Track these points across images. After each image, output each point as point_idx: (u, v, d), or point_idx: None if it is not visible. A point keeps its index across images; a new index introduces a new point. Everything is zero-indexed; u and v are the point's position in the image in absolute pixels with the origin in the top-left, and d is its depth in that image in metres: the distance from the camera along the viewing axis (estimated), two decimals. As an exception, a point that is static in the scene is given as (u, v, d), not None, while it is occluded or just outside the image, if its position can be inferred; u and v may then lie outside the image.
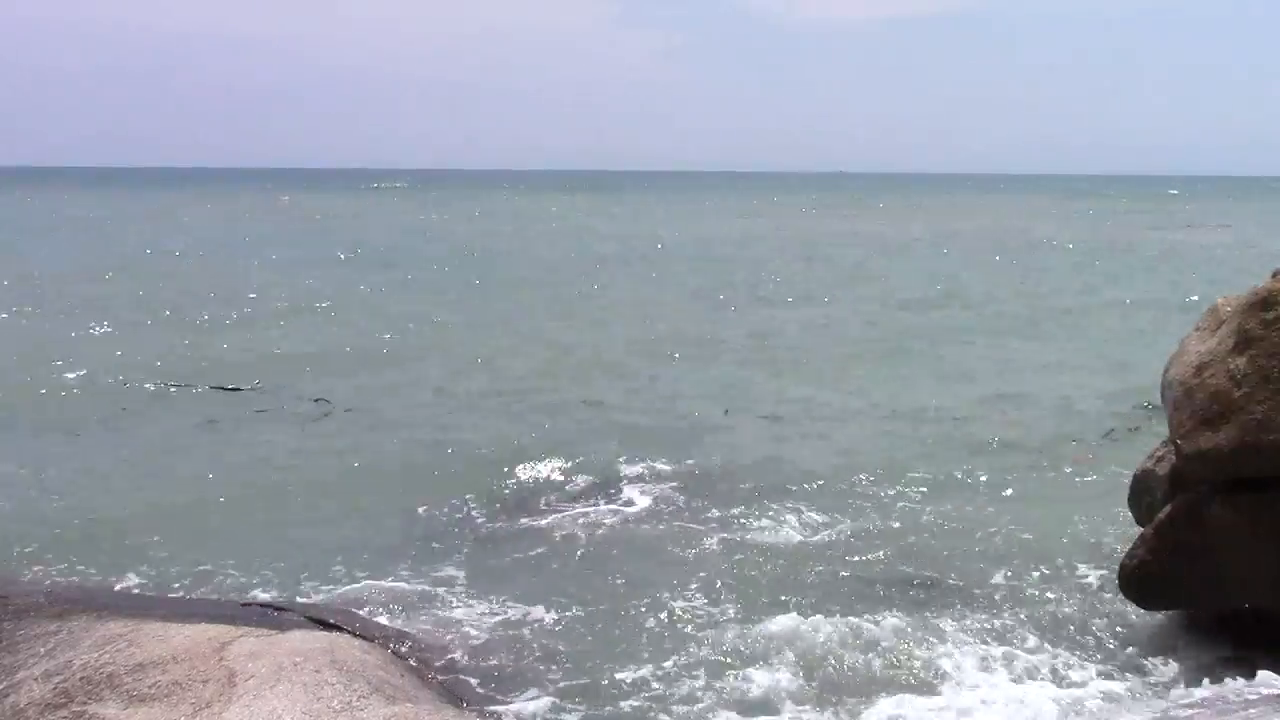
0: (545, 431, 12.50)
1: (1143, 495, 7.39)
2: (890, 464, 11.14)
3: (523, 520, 9.52)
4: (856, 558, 8.61)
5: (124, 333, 19.32)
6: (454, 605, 7.67)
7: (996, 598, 7.82)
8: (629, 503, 9.93)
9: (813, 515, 9.55)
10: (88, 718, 4.69)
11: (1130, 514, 7.67)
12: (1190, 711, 5.82)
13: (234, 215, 64.11)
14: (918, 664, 6.80)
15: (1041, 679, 6.62)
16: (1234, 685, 6.23)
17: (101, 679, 4.94)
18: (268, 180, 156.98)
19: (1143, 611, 7.26)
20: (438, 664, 6.30)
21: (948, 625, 7.36)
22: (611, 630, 7.27)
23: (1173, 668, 6.68)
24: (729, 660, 6.80)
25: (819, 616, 7.37)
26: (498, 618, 7.45)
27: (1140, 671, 6.69)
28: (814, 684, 6.55)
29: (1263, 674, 6.20)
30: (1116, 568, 7.17)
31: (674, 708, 6.25)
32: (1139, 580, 6.91)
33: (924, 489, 10.37)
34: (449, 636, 7.10)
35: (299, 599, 7.58)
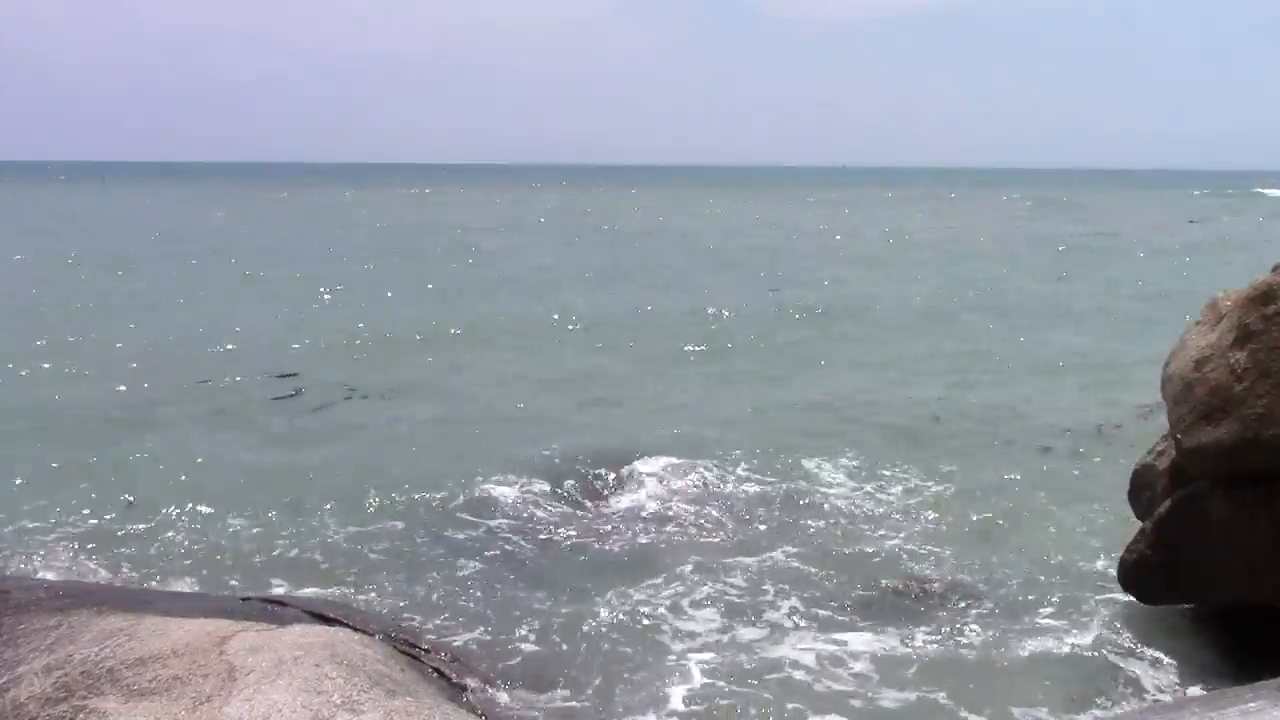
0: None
1: (1143, 490, 7.39)
2: (880, 458, 11.14)
3: (525, 518, 9.52)
4: (849, 556, 8.61)
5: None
6: (454, 600, 7.67)
7: (994, 593, 7.83)
8: (639, 503, 9.88)
9: (811, 511, 9.57)
10: (88, 712, 4.68)
11: (1130, 509, 7.68)
12: (1190, 706, 5.82)
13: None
14: (914, 661, 6.81)
15: (1040, 673, 6.64)
16: (1233, 679, 6.25)
17: (102, 673, 4.94)
18: (268, 176, 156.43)
19: (1142, 606, 7.27)
20: (438, 658, 6.30)
21: (944, 620, 7.38)
22: (611, 627, 7.27)
23: (1172, 662, 6.69)
24: (731, 661, 6.81)
25: (814, 618, 7.39)
26: (497, 612, 7.46)
27: (1140, 666, 6.70)
28: (815, 683, 6.56)
29: (1262, 668, 6.22)
30: (1116, 562, 7.19)
31: (671, 704, 6.26)
32: (1139, 575, 6.92)
33: (919, 485, 10.39)
34: (449, 631, 7.11)
35: (299, 593, 7.58)
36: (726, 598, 7.72)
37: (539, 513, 9.58)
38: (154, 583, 7.84)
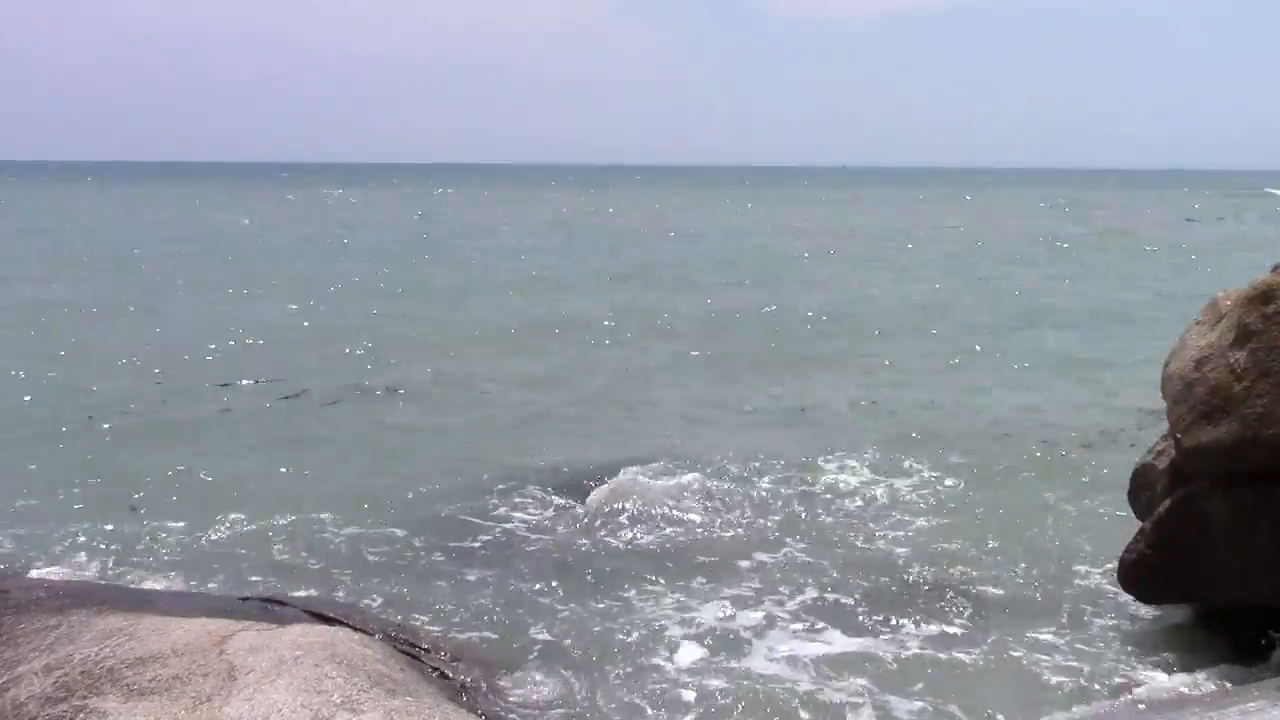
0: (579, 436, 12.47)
1: (1143, 489, 7.39)
2: (882, 458, 11.14)
3: (526, 518, 9.53)
4: (852, 557, 8.62)
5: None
6: (455, 599, 7.67)
7: (994, 592, 7.83)
8: (641, 503, 9.83)
9: (808, 510, 9.57)
10: (88, 711, 4.69)
11: (1130, 508, 7.68)
12: (1190, 705, 5.83)
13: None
14: (914, 662, 6.81)
15: (1039, 673, 6.64)
16: (1232, 678, 6.25)
17: (102, 673, 4.94)
18: (268, 176, 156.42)
19: (1142, 606, 7.27)
20: (438, 658, 6.30)
21: (945, 620, 7.38)
22: (614, 627, 7.26)
23: (1171, 662, 6.69)
24: (733, 663, 6.80)
25: (818, 619, 7.39)
26: (499, 612, 7.46)
27: (1139, 665, 6.70)
28: (815, 684, 6.56)
29: (1262, 668, 6.22)
30: (1116, 562, 7.19)
31: (672, 705, 6.25)
32: (1138, 574, 6.93)
33: (921, 485, 10.39)
34: (450, 631, 7.10)
35: (299, 593, 7.58)
36: (729, 599, 7.71)
37: (541, 513, 9.58)
38: (154, 582, 7.84)
